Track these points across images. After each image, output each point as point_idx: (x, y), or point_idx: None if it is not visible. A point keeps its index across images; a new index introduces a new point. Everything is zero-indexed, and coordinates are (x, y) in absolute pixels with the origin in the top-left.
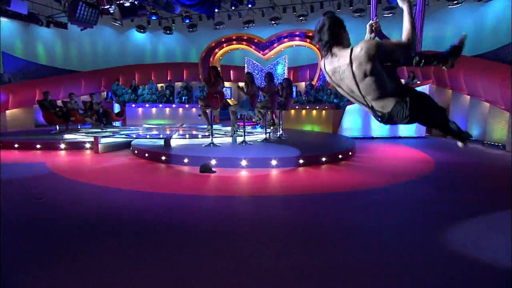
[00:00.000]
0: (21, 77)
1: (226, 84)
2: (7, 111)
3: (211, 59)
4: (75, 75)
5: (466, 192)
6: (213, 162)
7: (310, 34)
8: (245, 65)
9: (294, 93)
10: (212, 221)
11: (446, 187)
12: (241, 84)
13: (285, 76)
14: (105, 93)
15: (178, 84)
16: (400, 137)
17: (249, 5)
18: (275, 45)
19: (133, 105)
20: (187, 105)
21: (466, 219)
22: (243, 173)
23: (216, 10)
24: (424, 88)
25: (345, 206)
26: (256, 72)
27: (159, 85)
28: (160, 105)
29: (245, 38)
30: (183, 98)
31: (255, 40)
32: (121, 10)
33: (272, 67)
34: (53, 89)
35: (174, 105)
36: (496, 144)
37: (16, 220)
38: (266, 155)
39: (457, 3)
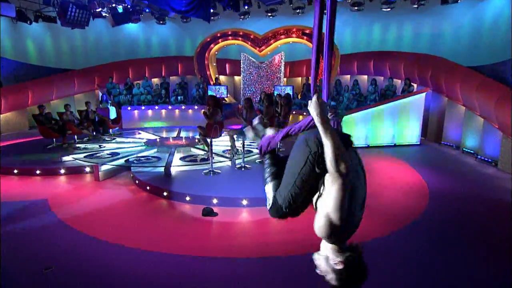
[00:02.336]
0: (12, 80)
1: (222, 78)
2: (1, 115)
3: (206, 54)
4: (67, 75)
5: (458, 246)
6: (215, 201)
7: (307, 32)
8: (241, 61)
9: (291, 95)
10: None
11: (436, 241)
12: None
13: (285, 92)
14: (100, 96)
15: (173, 79)
16: (395, 145)
17: (246, 6)
18: (272, 41)
19: (129, 108)
20: (183, 107)
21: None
22: (244, 216)
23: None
24: (421, 96)
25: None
26: (252, 69)
27: (154, 80)
28: (156, 107)
29: (240, 34)
30: (179, 98)
31: (251, 36)
32: (114, 18)
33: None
34: (46, 90)
35: (170, 107)
36: (489, 160)
37: None
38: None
39: (454, 2)
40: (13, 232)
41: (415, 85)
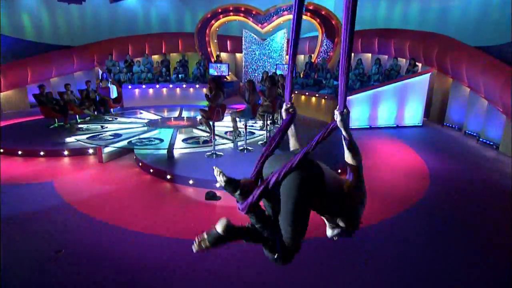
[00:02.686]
0: (10, 57)
1: (223, 55)
2: (1, 94)
3: (207, 30)
4: (66, 52)
5: (456, 228)
6: (217, 185)
7: (311, 8)
8: (243, 38)
9: (294, 73)
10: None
11: (435, 224)
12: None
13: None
14: (100, 74)
15: (174, 56)
16: (398, 126)
17: None
18: (274, 18)
19: (130, 87)
20: (184, 85)
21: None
22: None
23: None
24: (426, 77)
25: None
26: (254, 46)
27: (154, 57)
28: (157, 86)
29: (242, 9)
30: (180, 76)
31: (253, 12)
32: None
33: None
34: (45, 68)
35: (171, 86)
36: (490, 142)
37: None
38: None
39: None
40: (23, 215)
41: (419, 65)
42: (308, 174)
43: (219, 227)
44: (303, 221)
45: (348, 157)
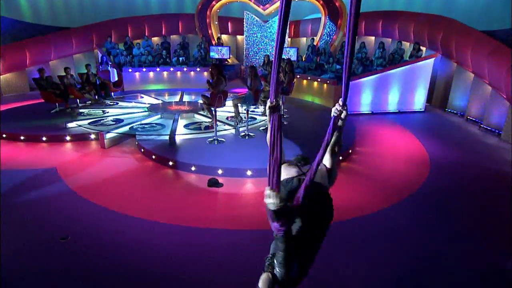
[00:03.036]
0: (8, 39)
1: (224, 37)
2: (1, 76)
3: (207, 12)
4: (64, 33)
5: (455, 216)
6: (220, 171)
7: None
8: (244, 19)
9: (295, 57)
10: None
11: (435, 212)
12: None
13: (287, 57)
14: (99, 57)
15: (174, 38)
16: (400, 112)
17: None
18: None
19: (130, 70)
20: (185, 68)
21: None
22: (249, 186)
23: None
24: (430, 61)
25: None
26: (256, 29)
27: (154, 40)
28: (158, 69)
29: None
30: (180, 59)
31: None
32: None
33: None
34: (43, 50)
35: (172, 69)
36: (492, 129)
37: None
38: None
39: None
40: (27, 200)
41: (424, 49)
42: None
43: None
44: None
45: (328, 159)
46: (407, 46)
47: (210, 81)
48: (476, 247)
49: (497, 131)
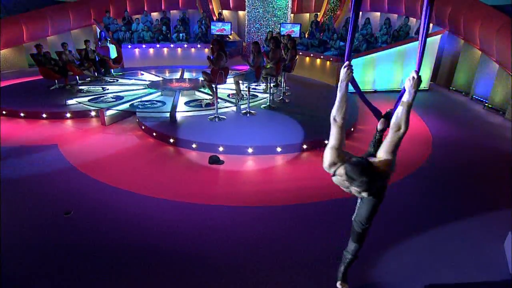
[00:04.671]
0: (3, 12)
1: (225, 13)
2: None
3: None
4: (61, 7)
5: (457, 194)
6: (221, 149)
7: None
8: None
9: (298, 33)
10: (224, 242)
11: (436, 190)
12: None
13: (288, 33)
14: (98, 33)
15: (174, 13)
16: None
17: None
18: None
19: (129, 46)
20: (185, 45)
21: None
22: (250, 164)
23: None
24: (436, 38)
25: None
26: (258, 4)
27: (153, 15)
28: (158, 45)
29: None
30: (181, 35)
31: None
32: None
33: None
34: (40, 25)
35: (172, 45)
36: (497, 108)
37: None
38: (270, 136)
39: None
40: (30, 177)
41: (430, 25)
42: None
43: None
44: None
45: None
46: (413, 22)
47: (211, 57)
48: (476, 223)
49: (501, 111)
